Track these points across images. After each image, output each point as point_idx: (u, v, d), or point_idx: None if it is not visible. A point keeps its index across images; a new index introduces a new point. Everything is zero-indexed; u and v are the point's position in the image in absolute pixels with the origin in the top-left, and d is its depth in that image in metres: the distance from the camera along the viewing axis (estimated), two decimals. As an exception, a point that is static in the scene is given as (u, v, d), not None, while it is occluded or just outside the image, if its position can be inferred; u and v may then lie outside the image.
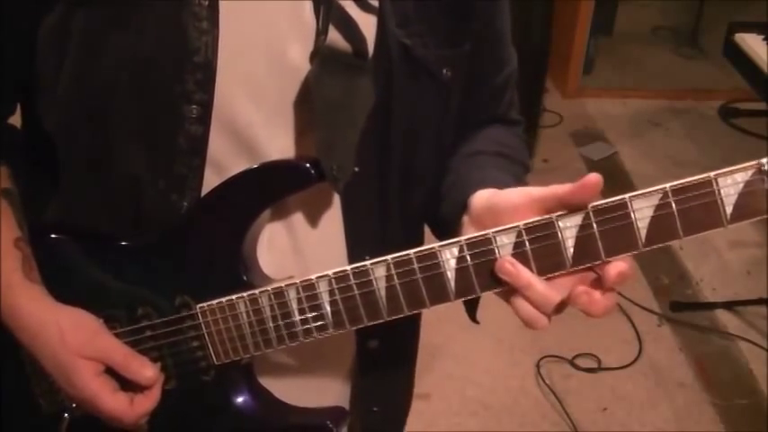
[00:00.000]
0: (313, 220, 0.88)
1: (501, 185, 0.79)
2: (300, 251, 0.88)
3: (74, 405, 0.87)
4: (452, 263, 0.73)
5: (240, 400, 0.87)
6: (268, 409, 0.89)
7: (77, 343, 0.81)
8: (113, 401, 0.82)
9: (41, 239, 0.87)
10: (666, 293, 2.88)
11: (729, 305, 2.80)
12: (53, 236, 0.87)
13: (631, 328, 2.71)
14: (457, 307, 0.81)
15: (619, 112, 4.22)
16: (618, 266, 0.69)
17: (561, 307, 0.72)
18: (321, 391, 0.97)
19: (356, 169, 0.82)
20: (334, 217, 0.88)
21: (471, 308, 0.89)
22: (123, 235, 0.85)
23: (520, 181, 0.88)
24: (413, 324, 1.04)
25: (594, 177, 0.67)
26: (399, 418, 1.11)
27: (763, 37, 2.45)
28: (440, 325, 2.24)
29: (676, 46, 4.79)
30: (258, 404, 0.88)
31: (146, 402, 0.83)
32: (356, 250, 0.88)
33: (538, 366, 2.55)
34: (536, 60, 3.22)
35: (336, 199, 0.87)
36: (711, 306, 2.82)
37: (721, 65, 3.01)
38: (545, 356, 2.56)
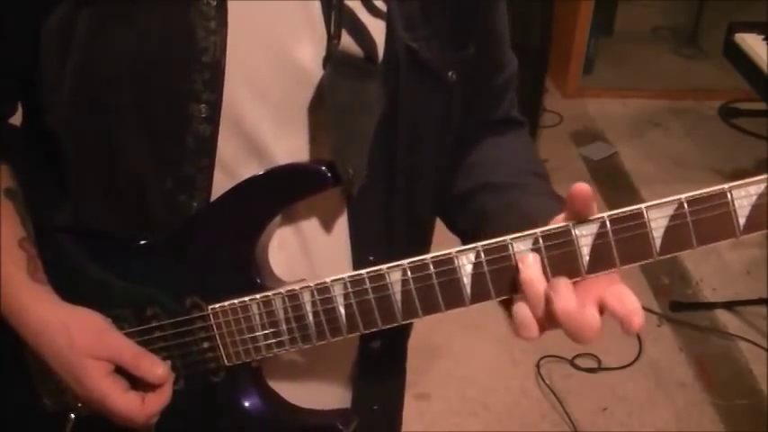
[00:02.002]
0: (320, 221, 0.88)
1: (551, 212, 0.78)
2: (308, 252, 0.88)
3: (80, 405, 0.86)
4: (468, 268, 0.73)
5: (249, 401, 0.87)
6: (277, 410, 0.89)
7: (86, 343, 0.81)
8: (124, 401, 0.81)
9: (49, 239, 0.86)
10: (666, 293, 2.88)
11: (729, 305, 2.80)
12: (60, 235, 0.87)
13: (631, 329, 2.71)
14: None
15: (619, 112, 4.21)
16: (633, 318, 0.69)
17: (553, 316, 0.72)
18: (324, 391, 0.97)
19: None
20: (340, 218, 0.88)
21: None
22: (131, 235, 0.84)
23: (556, 199, 0.87)
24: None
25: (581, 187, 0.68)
26: (397, 416, 1.12)
27: (763, 37, 2.45)
28: (440, 325, 2.23)
29: (676, 46, 4.79)
30: (267, 406, 0.88)
31: (157, 401, 0.83)
32: (361, 251, 0.88)
33: (538, 366, 2.55)
34: (536, 60, 3.23)
35: (343, 200, 0.87)
36: (711, 306, 2.82)
37: (721, 65, 3.01)
38: (545, 356, 2.56)
